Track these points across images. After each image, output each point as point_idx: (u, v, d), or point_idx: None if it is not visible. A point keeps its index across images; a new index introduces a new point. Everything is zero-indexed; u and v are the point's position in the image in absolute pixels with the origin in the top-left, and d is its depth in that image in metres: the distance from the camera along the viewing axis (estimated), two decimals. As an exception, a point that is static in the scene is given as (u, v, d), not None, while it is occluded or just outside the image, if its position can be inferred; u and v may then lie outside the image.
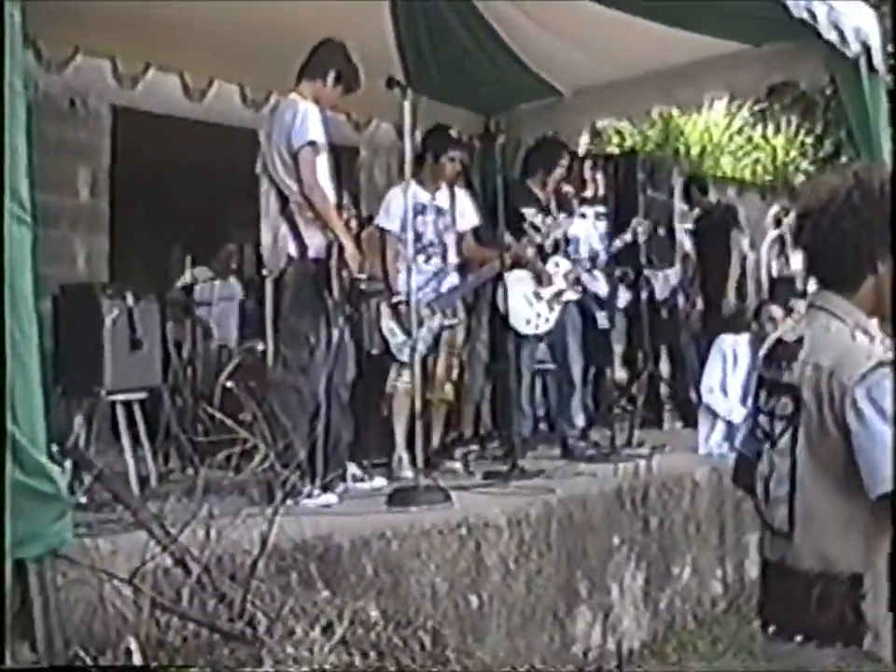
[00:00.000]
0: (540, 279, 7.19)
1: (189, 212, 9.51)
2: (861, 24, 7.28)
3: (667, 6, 7.05)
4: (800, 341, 2.56)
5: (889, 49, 15.85)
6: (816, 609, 2.47)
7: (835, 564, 2.46)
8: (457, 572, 4.79)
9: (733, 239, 9.89)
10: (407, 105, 5.41)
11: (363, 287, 6.46)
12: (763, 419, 2.65)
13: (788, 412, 2.53)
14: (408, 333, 5.90)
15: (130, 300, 5.76)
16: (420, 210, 6.61)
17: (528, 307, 6.98)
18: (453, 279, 6.82)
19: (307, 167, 5.34)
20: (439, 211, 6.79)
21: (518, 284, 6.96)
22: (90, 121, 7.83)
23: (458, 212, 6.88)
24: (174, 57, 7.35)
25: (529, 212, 7.33)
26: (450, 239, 6.83)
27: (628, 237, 7.71)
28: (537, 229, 7.32)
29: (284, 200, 5.40)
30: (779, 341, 2.67)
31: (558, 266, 7.34)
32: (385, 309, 6.54)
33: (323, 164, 5.45)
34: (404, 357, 6.24)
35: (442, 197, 6.84)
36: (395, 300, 6.45)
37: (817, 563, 2.47)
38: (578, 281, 7.62)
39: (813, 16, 6.70)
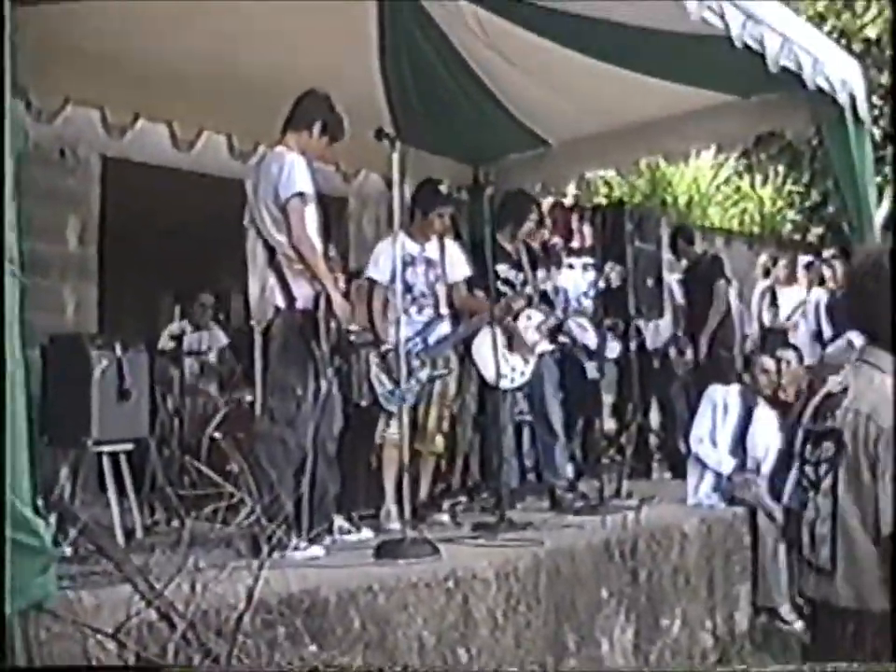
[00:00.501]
0: (510, 334, 7.14)
1: (178, 262, 9.54)
2: (847, 76, 7.37)
3: (653, 58, 7.12)
4: (845, 390, 2.68)
5: (874, 100, 16.13)
6: (851, 646, 2.53)
7: (871, 601, 2.51)
8: (445, 626, 4.73)
9: (715, 290, 9.91)
10: (396, 156, 5.42)
11: (352, 338, 6.48)
12: (808, 469, 2.76)
13: (830, 454, 2.68)
14: (396, 383, 5.89)
15: (119, 350, 5.76)
16: (410, 261, 6.61)
17: (503, 361, 6.91)
18: (444, 330, 6.80)
19: (296, 219, 5.33)
20: (429, 262, 6.79)
21: (489, 338, 6.92)
22: (79, 171, 7.87)
23: (449, 263, 6.88)
24: (163, 107, 7.38)
25: (502, 268, 7.31)
26: (441, 290, 6.83)
27: (602, 284, 7.69)
28: (510, 284, 7.31)
29: (271, 251, 5.39)
30: (828, 394, 2.78)
31: (530, 319, 7.30)
32: (373, 359, 6.53)
33: (311, 215, 5.45)
34: (392, 408, 6.24)
35: (432, 249, 6.84)
36: (383, 350, 6.44)
37: (854, 600, 2.54)
38: (556, 332, 7.61)
39: (799, 67, 6.77)
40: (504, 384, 6.98)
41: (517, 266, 7.46)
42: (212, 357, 8.07)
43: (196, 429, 7.23)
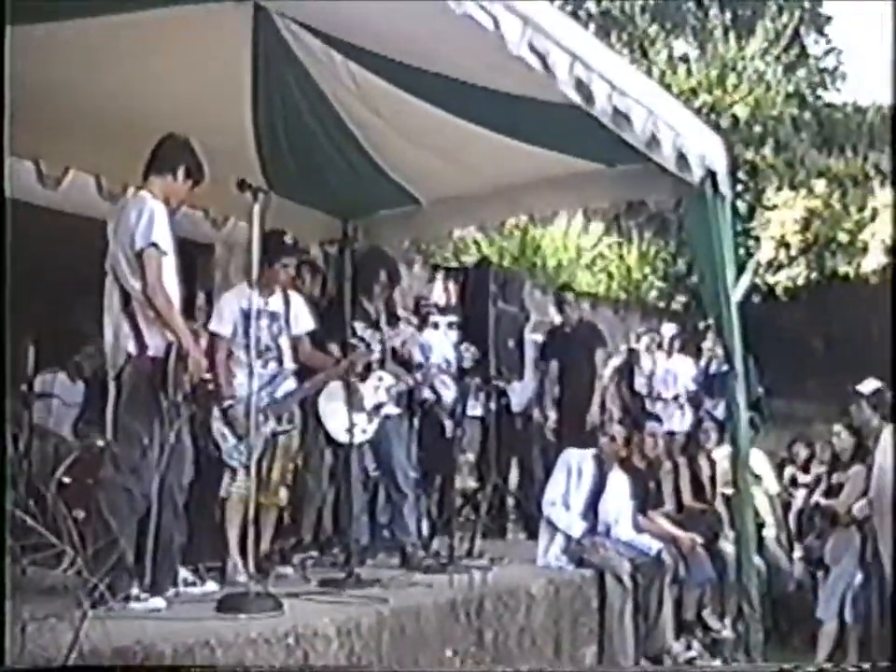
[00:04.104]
0: (355, 392, 7.07)
1: (42, 302, 9.30)
2: (707, 151, 7.55)
3: (522, 123, 7.23)
4: None
5: (740, 175, 16.64)
6: None
7: None
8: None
9: (598, 358, 10.07)
10: (256, 208, 5.42)
11: (210, 387, 6.42)
12: None
13: None
14: (239, 438, 5.88)
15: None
16: (255, 315, 6.59)
17: (347, 418, 6.88)
18: (289, 385, 6.77)
19: (151, 268, 5.28)
20: (272, 316, 6.75)
21: (336, 395, 6.91)
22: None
23: (293, 316, 6.85)
24: (28, 143, 7.25)
25: (358, 325, 7.32)
26: (285, 343, 6.79)
27: (454, 358, 7.82)
28: (364, 342, 7.33)
29: (126, 297, 5.33)
30: None
31: (381, 380, 7.32)
32: (216, 413, 6.46)
33: (169, 266, 5.41)
34: (234, 463, 6.21)
35: (276, 302, 6.81)
36: (225, 405, 6.39)
37: None
38: (409, 395, 7.65)
39: (657, 142, 6.93)
40: (346, 439, 6.95)
41: (373, 325, 7.48)
42: (66, 401, 7.93)
43: (47, 473, 7.08)
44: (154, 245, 5.31)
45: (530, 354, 9.99)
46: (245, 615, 4.91)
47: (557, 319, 10.93)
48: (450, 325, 9.20)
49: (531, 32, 5.55)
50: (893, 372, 8.39)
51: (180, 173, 5.61)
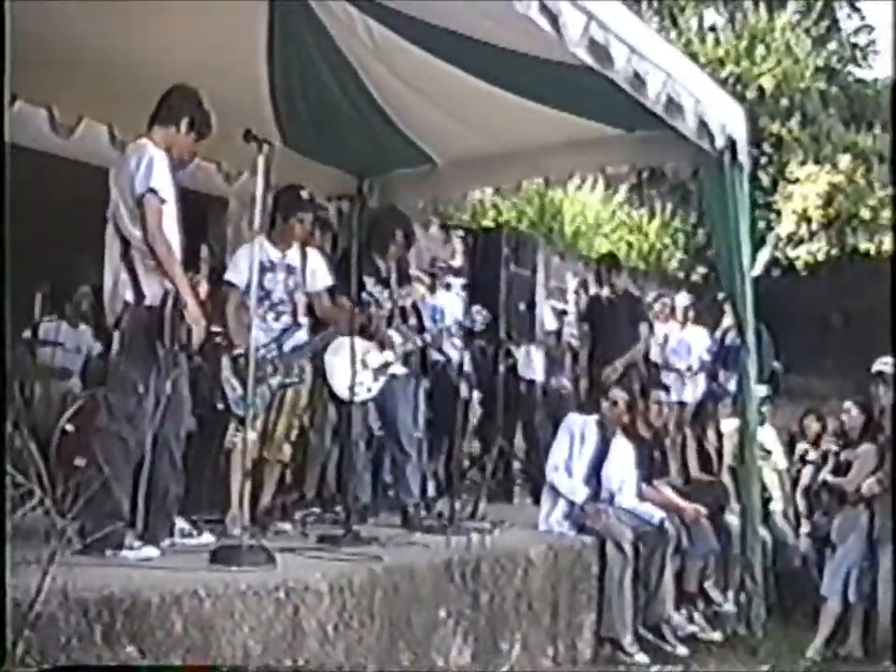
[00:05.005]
0: (367, 349, 7.07)
1: (56, 253, 9.30)
2: (728, 120, 7.48)
3: (540, 84, 7.17)
4: None
5: (765, 147, 16.51)
6: None
7: None
8: (273, 636, 4.67)
9: (640, 331, 10.01)
10: (261, 160, 5.37)
11: (218, 340, 6.41)
12: None
13: None
14: (246, 388, 5.85)
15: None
16: (269, 267, 6.58)
17: (351, 375, 6.86)
18: (300, 338, 6.75)
19: (151, 215, 5.24)
20: (289, 269, 6.75)
21: (342, 351, 6.87)
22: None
23: (309, 272, 6.83)
24: (42, 91, 7.23)
25: (368, 281, 7.30)
26: (300, 298, 6.78)
27: (466, 322, 7.75)
28: (374, 298, 7.30)
29: (126, 245, 5.30)
30: None
31: (391, 339, 7.31)
32: (225, 363, 6.45)
33: (170, 214, 5.37)
34: (241, 413, 6.17)
35: (293, 256, 6.80)
36: (235, 353, 6.37)
37: None
38: (416, 355, 7.62)
39: (678, 108, 6.86)
40: (348, 396, 6.91)
41: (384, 282, 7.44)
42: (69, 347, 7.94)
43: (52, 421, 7.11)
44: (153, 190, 5.27)
45: (544, 319, 9.95)
46: (236, 567, 4.89)
47: (576, 287, 10.91)
48: (463, 287, 9.14)
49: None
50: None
51: (184, 124, 5.56)
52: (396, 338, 7.29)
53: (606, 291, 10.34)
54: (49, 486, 4.12)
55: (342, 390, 6.81)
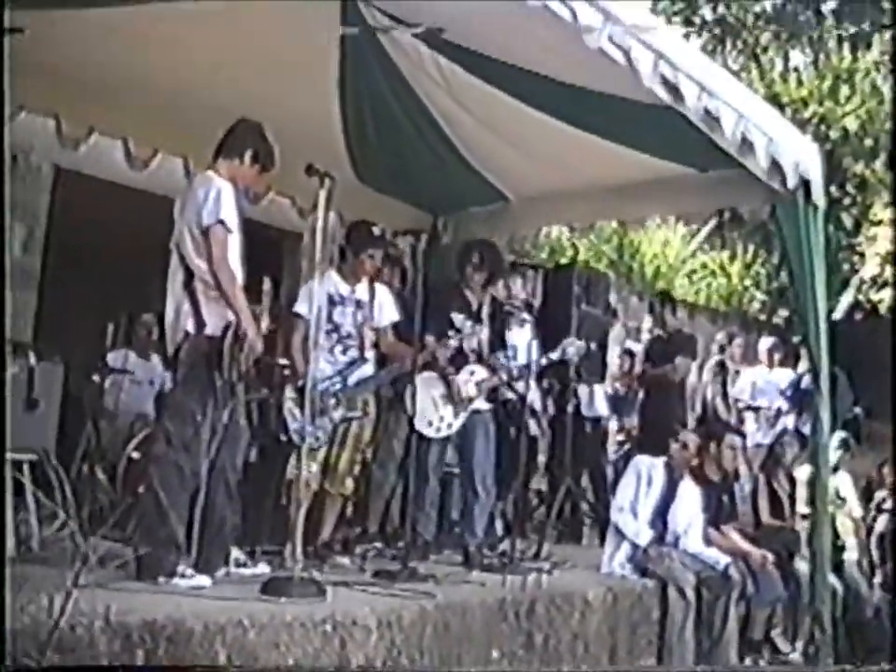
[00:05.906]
0: (448, 383, 7.12)
1: (123, 280, 9.46)
2: (802, 159, 7.36)
3: (613, 123, 7.13)
4: None
5: (848, 188, 16.28)
6: None
7: None
8: (318, 669, 4.67)
9: (681, 365, 9.91)
10: (322, 193, 5.44)
11: (286, 372, 6.45)
12: None
13: None
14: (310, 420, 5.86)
15: (32, 359, 5.71)
16: (339, 301, 6.67)
17: (434, 410, 6.91)
18: (366, 372, 6.78)
19: (217, 246, 5.33)
20: (358, 304, 6.83)
21: (426, 386, 6.89)
22: (30, 178, 7.82)
23: (377, 306, 6.90)
24: (118, 123, 7.36)
25: (457, 318, 7.32)
26: (367, 332, 6.83)
27: (555, 355, 7.66)
28: (459, 333, 7.29)
29: (189, 275, 5.38)
30: None
31: (473, 374, 7.29)
32: (289, 393, 6.50)
33: (234, 244, 5.45)
34: (301, 444, 6.20)
35: (362, 290, 6.88)
36: (300, 384, 6.40)
37: None
38: (495, 391, 7.56)
39: (750, 147, 6.79)
40: (430, 432, 6.97)
41: (474, 317, 7.44)
42: (139, 378, 8.03)
43: (117, 448, 7.22)
44: (221, 222, 5.35)
45: (616, 359, 9.88)
46: (284, 599, 4.90)
47: (650, 325, 10.82)
48: (534, 324, 9.10)
49: (610, 26, 5.49)
50: None
51: (247, 156, 5.65)
52: (480, 372, 7.28)
53: (658, 331, 10.27)
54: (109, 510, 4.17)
55: (422, 425, 6.82)
